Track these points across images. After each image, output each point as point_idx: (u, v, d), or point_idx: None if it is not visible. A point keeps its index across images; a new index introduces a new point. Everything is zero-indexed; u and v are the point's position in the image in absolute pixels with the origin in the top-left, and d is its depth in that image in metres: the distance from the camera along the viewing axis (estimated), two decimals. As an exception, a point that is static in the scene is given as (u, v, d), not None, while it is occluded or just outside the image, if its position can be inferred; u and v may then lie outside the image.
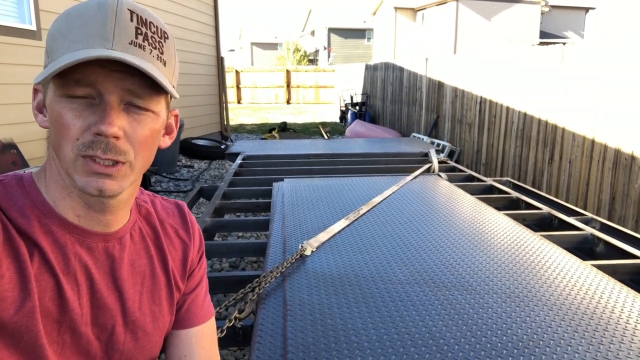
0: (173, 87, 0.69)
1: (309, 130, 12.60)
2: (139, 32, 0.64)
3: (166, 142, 0.77)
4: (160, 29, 0.68)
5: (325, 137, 11.36)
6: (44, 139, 4.72)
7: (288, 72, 21.28)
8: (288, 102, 21.13)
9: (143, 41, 0.64)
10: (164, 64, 0.67)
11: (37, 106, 0.70)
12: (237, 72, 20.80)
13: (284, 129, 12.02)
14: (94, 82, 0.62)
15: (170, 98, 0.73)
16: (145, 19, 0.65)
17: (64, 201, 0.69)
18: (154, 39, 0.66)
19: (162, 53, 0.67)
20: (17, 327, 0.62)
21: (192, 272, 0.87)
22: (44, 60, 0.67)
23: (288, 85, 21.12)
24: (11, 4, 4.41)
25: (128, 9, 0.64)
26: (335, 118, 15.55)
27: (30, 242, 0.65)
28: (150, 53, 0.65)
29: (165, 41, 0.68)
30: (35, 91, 0.71)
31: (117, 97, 0.63)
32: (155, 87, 0.66)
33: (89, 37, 0.62)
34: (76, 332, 0.69)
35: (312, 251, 2.06)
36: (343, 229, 2.38)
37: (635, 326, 1.46)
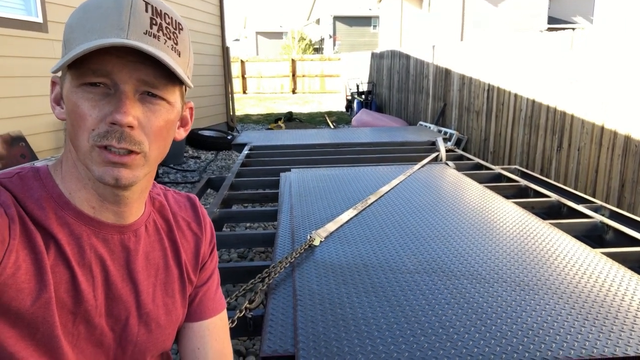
0: (188, 77, 0.69)
1: (315, 120, 12.57)
2: (154, 22, 0.65)
3: (181, 134, 0.77)
4: (175, 20, 0.68)
5: (332, 126, 11.34)
6: (52, 132, 4.75)
7: (293, 61, 21.18)
8: (294, 92, 21.07)
9: (157, 31, 0.65)
10: (179, 55, 0.68)
11: (55, 98, 0.71)
12: (242, 62, 20.74)
13: (290, 119, 12.00)
14: (109, 72, 0.63)
15: (185, 90, 0.73)
16: (160, 10, 0.66)
17: (79, 193, 0.70)
18: (168, 30, 0.66)
19: (176, 44, 0.67)
20: (34, 318, 0.63)
21: (204, 265, 0.88)
22: (61, 52, 0.68)
23: (293, 75, 21.04)
24: (17, -3, 4.42)
25: (143, 1, 0.64)
26: (341, 107, 15.49)
27: (47, 233, 0.66)
28: (164, 43, 0.65)
29: (179, 32, 0.68)
30: (53, 84, 0.71)
31: (132, 86, 0.64)
32: (170, 77, 0.66)
33: (104, 27, 0.62)
34: (90, 323, 0.70)
35: (321, 241, 2.06)
36: (351, 218, 2.38)
37: (646, 314, 1.46)
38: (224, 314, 0.91)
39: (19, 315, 0.63)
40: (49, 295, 0.64)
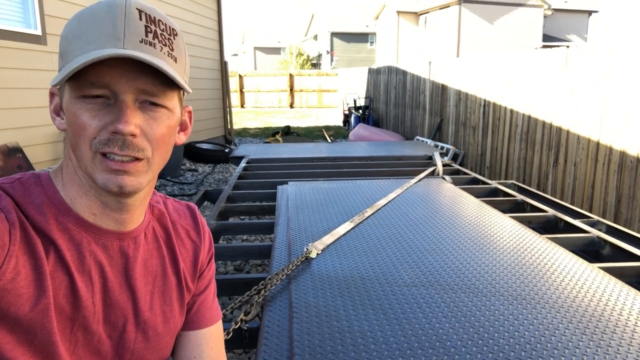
0: (185, 82, 0.69)
1: (312, 134, 12.60)
2: (149, 30, 0.65)
3: (182, 138, 0.77)
4: (169, 26, 0.68)
5: (329, 140, 11.36)
6: (50, 143, 4.74)
7: (291, 76, 21.31)
8: (291, 106, 21.15)
9: (153, 39, 0.65)
10: (175, 61, 0.68)
11: (54, 109, 0.71)
12: (240, 76, 20.84)
13: (288, 133, 12.03)
14: (108, 83, 0.63)
15: (183, 94, 0.73)
16: (154, 17, 0.66)
17: (80, 200, 0.70)
18: (163, 37, 0.66)
19: (172, 50, 0.67)
20: (32, 324, 0.63)
21: (202, 274, 0.88)
22: (58, 63, 0.68)
23: (291, 89, 21.14)
24: (16, 9, 4.44)
25: (137, 8, 0.65)
26: (339, 122, 15.55)
27: (47, 239, 0.66)
28: (161, 50, 0.66)
29: (174, 38, 0.68)
30: (52, 95, 0.72)
31: (131, 96, 0.64)
32: (168, 84, 0.66)
33: (100, 38, 0.63)
34: (88, 329, 0.69)
35: (318, 254, 2.06)
36: (348, 231, 2.38)
37: (644, 328, 1.45)
38: (220, 324, 0.91)
39: (17, 321, 0.62)
40: (48, 301, 0.64)
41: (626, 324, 1.48)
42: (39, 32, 4.59)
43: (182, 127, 0.78)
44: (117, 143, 0.64)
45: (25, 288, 0.62)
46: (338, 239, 2.27)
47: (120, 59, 0.62)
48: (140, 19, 0.64)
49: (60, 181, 0.71)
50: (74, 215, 0.69)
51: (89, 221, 0.70)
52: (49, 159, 4.72)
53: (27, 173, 0.71)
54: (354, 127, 10.96)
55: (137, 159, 0.66)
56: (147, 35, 0.64)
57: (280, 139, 10.64)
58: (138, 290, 0.75)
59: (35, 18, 4.57)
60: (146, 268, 0.77)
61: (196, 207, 0.91)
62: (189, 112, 0.79)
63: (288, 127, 12.54)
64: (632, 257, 2.20)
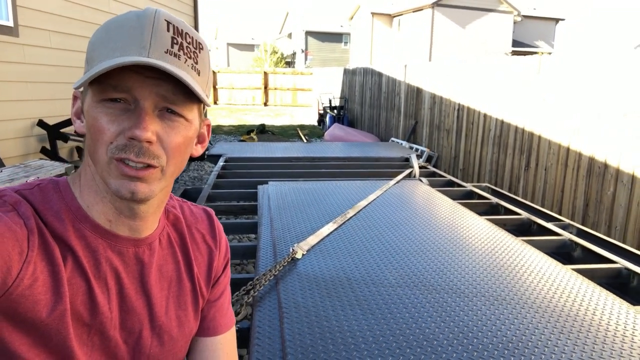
0: (207, 96, 0.71)
1: (287, 133, 12.60)
2: (175, 41, 0.66)
3: (198, 150, 0.78)
4: (196, 40, 0.69)
5: (304, 140, 11.39)
6: (20, 138, 4.61)
7: (265, 74, 21.23)
8: (265, 104, 21.08)
9: (178, 50, 0.66)
10: (198, 74, 0.69)
11: (76, 112, 0.72)
12: (213, 72, 20.64)
13: (263, 131, 11.99)
14: (130, 88, 0.64)
15: (204, 107, 0.74)
16: (182, 30, 0.67)
17: (96, 206, 0.71)
18: (189, 49, 0.68)
19: (196, 63, 0.69)
20: (48, 329, 0.63)
21: (217, 280, 0.89)
22: (84, 69, 0.68)
23: (265, 87, 21.06)
24: (-12, -1, 4.30)
25: (165, 20, 0.66)
26: (313, 121, 15.59)
27: (65, 245, 0.67)
28: (185, 62, 0.67)
29: (200, 52, 0.70)
30: (75, 98, 0.72)
31: (151, 102, 0.65)
32: (189, 95, 0.67)
33: (126, 46, 0.64)
34: (105, 335, 0.70)
35: (303, 254, 2.08)
36: (331, 232, 2.41)
37: (616, 327, 1.54)
38: (233, 329, 0.92)
39: (33, 326, 0.62)
40: (64, 307, 0.64)
41: (599, 323, 1.56)
42: (10, 23, 4.46)
43: (200, 140, 0.78)
44: (133, 149, 0.64)
45: (42, 294, 0.62)
46: (322, 239, 2.30)
47: (144, 67, 0.63)
48: (168, 30, 0.66)
49: (78, 187, 0.72)
50: (91, 221, 0.70)
51: (105, 228, 0.71)
52: (20, 154, 4.58)
53: (46, 179, 0.72)
54: (329, 127, 11.02)
55: (151, 167, 0.66)
56: (172, 47, 0.66)
57: (255, 137, 10.60)
58: (153, 296, 0.76)
59: (7, 9, 4.43)
60: (161, 274, 0.78)
61: (213, 212, 0.92)
62: (208, 125, 0.80)
63: (263, 126, 12.50)
64: (602, 259, 2.31)
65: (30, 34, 4.69)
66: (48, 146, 4.79)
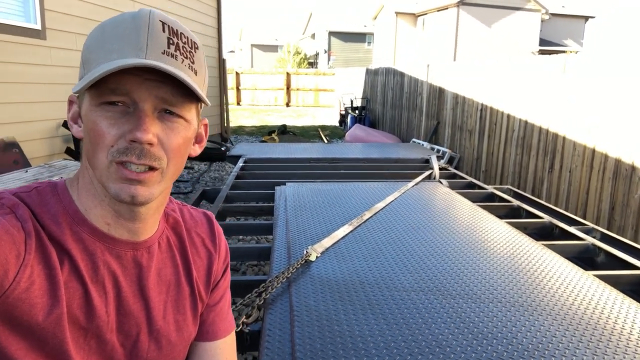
0: (204, 95, 0.70)
1: (308, 134, 12.61)
2: (171, 42, 0.66)
3: (196, 150, 0.78)
4: (191, 40, 0.69)
5: (325, 140, 11.38)
6: (46, 139, 4.72)
7: (288, 74, 21.29)
8: (287, 105, 21.14)
9: (175, 51, 0.66)
10: (195, 73, 0.69)
11: (72, 117, 0.72)
12: (237, 73, 20.80)
13: (284, 132, 12.02)
14: (128, 90, 0.64)
15: (201, 107, 0.74)
16: (177, 30, 0.67)
17: (94, 209, 0.71)
18: (185, 49, 0.68)
19: (193, 62, 0.68)
20: (44, 333, 0.63)
21: (217, 284, 0.88)
22: (79, 72, 0.69)
23: (288, 88, 21.13)
24: (17, 3, 4.42)
25: (160, 21, 0.66)
26: (335, 122, 15.56)
27: (61, 249, 0.67)
28: (182, 62, 0.67)
29: (195, 51, 0.70)
30: (71, 102, 0.72)
31: (151, 104, 0.65)
32: (187, 95, 0.67)
33: (123, 48, 0.64)
34: (102, 338, 0.70)
35: (317, 257, 2.07)
36: (347, 234, 2.39)
37: (639, 337, 1.48)
38: (233, 334, 0.91)
39: (29, 329, 0.63)
40: (61, 310, 0.64)
41: (621, 332, 1.51)
42: (38, 26, 4.58)
43: (198, 139, 0.78)
44: (134, 152, 0.64)
45: (39, 298, 0.63)
46: (337, 242, 2.28)
47: (141, 69, 0.63)
48: (164, 31, 0.66)
49: (75, 190, 0.72)
50: (89, 225, 0.70)
51: (103, 231, 0.71)
52: (46, 154, 4.70)
53: (44, 182, 0.72)
54: (350, 128, 10.97)
55: (152, 169, 0.66)
56: (169, 47, 0.65)
57: (276, 137, 10.63)
58: (151, 300, 0.76)
59: (36, 12, 4.55)
60: (160, 277, 0.78)
61: (213, 216, 0.91)
62: (205, 125, 0.80)
63: (284, 126, 12.54)
64: (627, 265, 2.23)
65: (57, 37, 4.80)
66: (72, 147, 4.90)
